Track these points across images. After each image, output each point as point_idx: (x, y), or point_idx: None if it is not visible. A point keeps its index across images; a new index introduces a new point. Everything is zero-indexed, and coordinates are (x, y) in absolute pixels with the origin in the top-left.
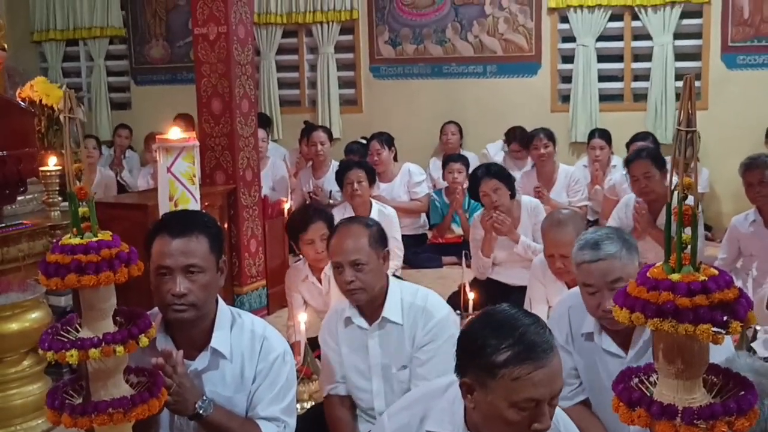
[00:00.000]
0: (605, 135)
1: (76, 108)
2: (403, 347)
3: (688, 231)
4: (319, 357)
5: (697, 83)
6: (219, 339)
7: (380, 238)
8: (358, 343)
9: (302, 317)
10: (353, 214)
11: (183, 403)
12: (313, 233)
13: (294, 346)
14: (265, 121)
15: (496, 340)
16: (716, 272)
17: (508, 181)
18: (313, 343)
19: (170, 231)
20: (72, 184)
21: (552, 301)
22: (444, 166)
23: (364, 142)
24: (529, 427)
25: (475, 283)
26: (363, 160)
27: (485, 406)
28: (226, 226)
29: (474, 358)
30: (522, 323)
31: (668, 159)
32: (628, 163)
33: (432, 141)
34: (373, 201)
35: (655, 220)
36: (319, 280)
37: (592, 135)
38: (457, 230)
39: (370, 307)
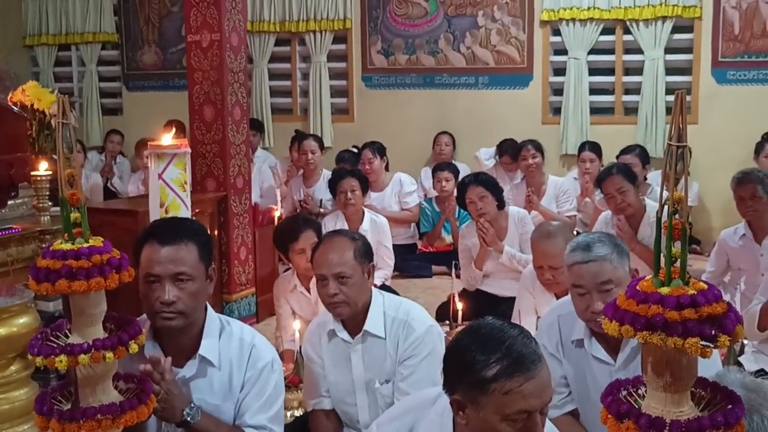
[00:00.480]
0: (595, 148)
1: (69, 113)
2: (386, 361)
3: (677, 245)
4: None
5: (687, 98)
6: (207, 347)
7: (365, 253)
8: (341, 356)
9: (296, 325)
10: (345, 223)
11: (171, 410)
12: (304, 242)
13: (283, 355)
14: (256, 126)
15: (483, 355)
16: (705, 286)
17: (496, 190)
18: None
19: (159, 238)
20: (64, 190)
21: (541, 312)
22: (433, 174)
23: (355, 151)
24: None
25: (464, 294)
26: (356, 169)
27: (477, 422)
28: (216, 233)
29: (463, 375)
30: (509, 335)
31: (659, 173)
32: (600, 182)
33: (423, 151)
34: (366, 210)
35: (635, 233)
36: (308, 290)
37: (582, 148)
38: (448, 238)
39: (354, 320)
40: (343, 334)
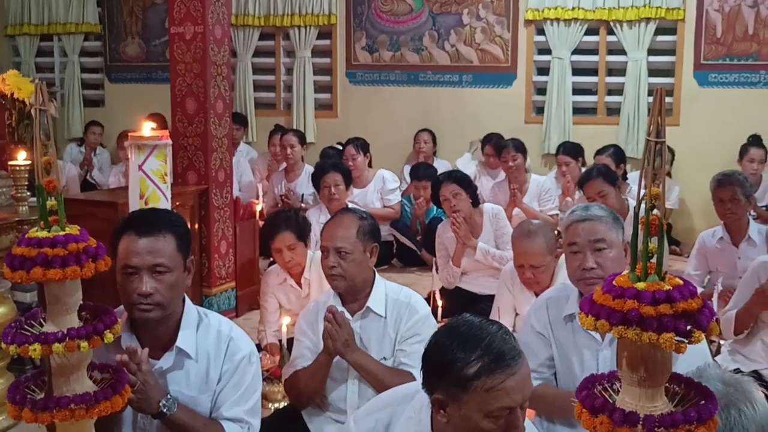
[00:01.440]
0: (572, 150)
1: (47, 100)
2: (385, 339)
3: (654, 241)
4: None
5: (669, 99)
6: (185, 339)
7: (370, 232)
8: None
9: (286, 320)
10: (329, 217)
11: (147, 401)
12: (280, 243)
13: (268, 349)
14: (240, 121)
15: (464, 353)
16: (681, 282)
17: (470, 187)
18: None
19: (137, 229)
20: (41, 177)
21: (520, 310)
22: (412, 174)
23: (339, 147)
24: None
25: (443, 292)
26: (339, 162)
27: (459, 420)
28: (196, 226)
29: (444, 373)
30: (487, 332)
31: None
32: (581, 185)
33: (406, 148)
34: (350, 204)
35: None
36: (299, 284)
37: (558, 151)
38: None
39: (353, 298)
40: (342, 310)
